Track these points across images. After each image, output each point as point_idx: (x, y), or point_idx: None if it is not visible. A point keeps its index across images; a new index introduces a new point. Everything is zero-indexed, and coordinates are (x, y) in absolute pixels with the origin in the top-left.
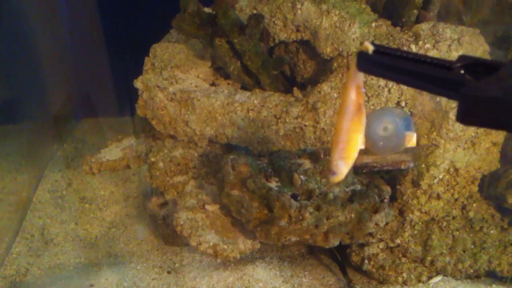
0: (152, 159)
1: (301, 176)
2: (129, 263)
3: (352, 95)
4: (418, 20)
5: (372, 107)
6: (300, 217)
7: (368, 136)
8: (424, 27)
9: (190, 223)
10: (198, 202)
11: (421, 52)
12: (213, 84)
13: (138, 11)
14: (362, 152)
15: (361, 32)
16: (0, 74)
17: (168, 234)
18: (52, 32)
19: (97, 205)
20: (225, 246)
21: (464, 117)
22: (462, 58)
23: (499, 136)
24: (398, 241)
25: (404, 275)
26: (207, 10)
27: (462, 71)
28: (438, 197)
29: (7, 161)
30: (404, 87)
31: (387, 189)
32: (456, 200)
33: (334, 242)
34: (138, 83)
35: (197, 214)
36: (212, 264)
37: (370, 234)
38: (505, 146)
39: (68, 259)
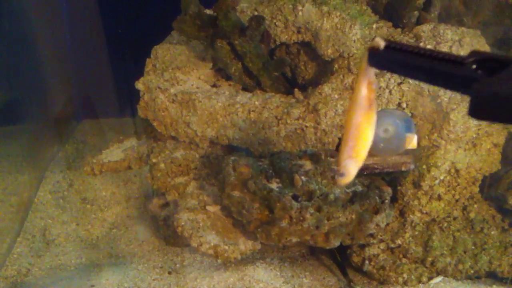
0: (154, 160)
1: (302, 177)
2: (130, 264)
3: (363, 91)
4: (419, 22)
5: None
6: (301, 218)
7: None
8: (425, 29)
9: (191, 224)
10: (199, 203)
11: None
12: (214, 86)
13: (139, 13)
14: None
15: (362, 34)
16: (1, 75)
17: (169, 235)
18: (53, 33)
19: (98, 206)
20: (226, 247)
21: (476, 113)
22: (474, 53)
23: (500, 137)
24: (398, 241)
25: (405, 275)
26: (208, 11)
27: (474, 67)
28: (439, 198)
29: (9, 162)
30: (405, 89)
31: (388, 190)
32: (457, 201)
33: (335, 243)
34: (139, 85)
35: (198, 215)
36: (213, 265)
37: (371, 235)
38: (506, 147)
39: (69, 259)
